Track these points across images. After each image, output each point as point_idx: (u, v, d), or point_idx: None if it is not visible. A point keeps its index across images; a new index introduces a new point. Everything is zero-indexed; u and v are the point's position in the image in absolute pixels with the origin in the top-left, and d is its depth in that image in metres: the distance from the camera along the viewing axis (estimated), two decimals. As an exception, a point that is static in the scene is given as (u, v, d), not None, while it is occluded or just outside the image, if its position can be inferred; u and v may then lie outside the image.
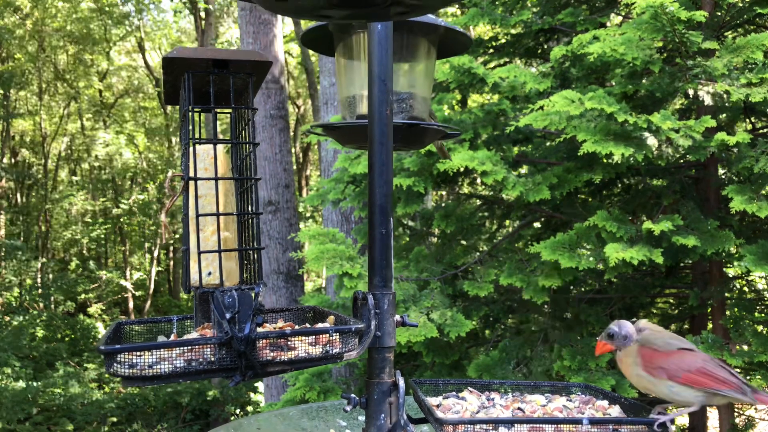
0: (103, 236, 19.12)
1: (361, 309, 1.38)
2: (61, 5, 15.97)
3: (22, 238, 17.54)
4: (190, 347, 1.16)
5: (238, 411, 11.20)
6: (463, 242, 4.56)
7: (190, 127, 1.24)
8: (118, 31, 17.22)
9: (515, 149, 4.32)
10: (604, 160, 3.45)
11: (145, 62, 17.69)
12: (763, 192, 3.09)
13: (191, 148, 1.25)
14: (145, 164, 19.12)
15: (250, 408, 11.28)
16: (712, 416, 5.01)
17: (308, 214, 16.54)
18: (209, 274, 1.23)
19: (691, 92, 3.19)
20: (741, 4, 3.57)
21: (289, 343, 1.20)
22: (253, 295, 1.19)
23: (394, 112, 1.52)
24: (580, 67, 3.77)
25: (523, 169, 4.54)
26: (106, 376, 12.62)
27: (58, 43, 16.71)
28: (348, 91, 1.60)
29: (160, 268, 18.72)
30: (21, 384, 11.47)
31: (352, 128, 1.58)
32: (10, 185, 17.50)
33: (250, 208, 1.30)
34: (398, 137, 1.53)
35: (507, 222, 5.00)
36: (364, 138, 1.45)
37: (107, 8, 16.02)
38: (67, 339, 14.59)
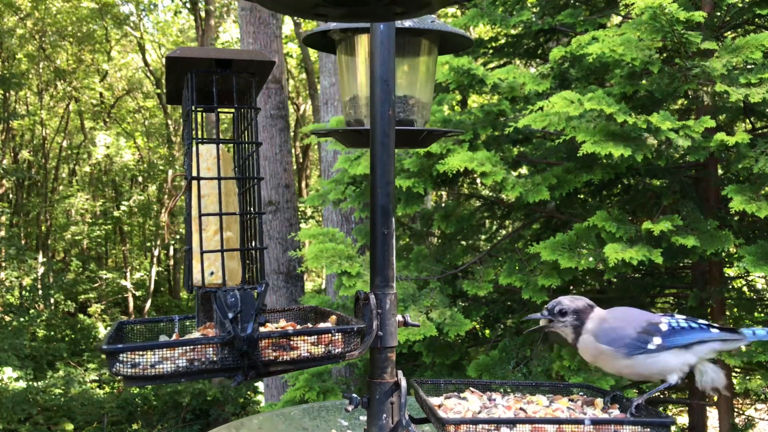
0: (103, 236, 19.11)
1: (362, 309, 1.39)
2: (60, 5, 15.96)
3: (23, 239, 17.53)
4: (192, 347, 1.17)
5: (238, 411, 11.19)
6: (463, 242, 4.56)
7: (193, 127, 1.24)
8: (119, 31, 17.21)
9: (515, 150, 4.32)
10: (604, 161, 3.45)
11: (145, 62, 17.68)
12: (763, 192, 3.09)
13: (194, 148, 1.25)
14: (146, 164, 19.11)
15: (250, 408, 11.28)
16: (712, 416, 5.01)
17: (309, 214, 16.54)
18: (212, 273, 1.23)
19: (690, 92, 3.19)
20: (740, 5, 3.58)
21: (291, 342, 1.20)
22: (255, 294, 1.19)
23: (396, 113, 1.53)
24: (579, 68, 3.77)
25: (523, 170, 4.54)
26: (106, 376, 12.62)
27: (58, 43, 16.70)
28: (350, 92, 1.61)
29: (160, 268, 18.71)
30: (21, 384, 11.47)
31: (354, 132, 1.58)
32: (10, 185, 17.48)
33: (252, 208, 1.30)
34: (399, 138, 1.54)
35: (507, 222, 5.00)
36: (366, 140, 1.45)
37: (108, 9, 16.01)
38: (67, 339, 14.58)
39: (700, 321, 1.46)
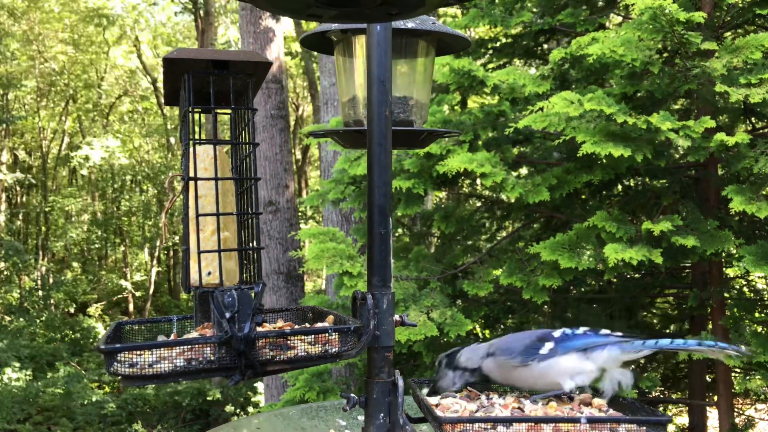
0: (103, 237, 19.13)
1: (360, 309, 1.39)
2: (54, 3, 15.97)
3: (22, 239, 17.56)
4: (190, 346, 1.17)
5: (238, 411, 11.20)
6: (463, 243, 4.56)
7: (190, 128, 1.24)
8: (114, 31, 17.23)
9: (515, 150, 4.32)
10: (604, 161, 3.45)
11: (142, 63, 17.69)
12: (763, 192, 3.09)
13: (191, 149, 1.26)
14: (144, 166, 19.12)
15: (250, 408, 11.29)
16: (712, 416, 5.01)
17: (309, 215, 16.55)
18: (209, 273, 1.24)
19: (691, 93, 3.19)
20: (740, 5, 3.58)
21: (288, 342, 1.20)
22: (252, 294, 1.19)
23: (393, 113, 1.53)
24: (579, 69, 3.77)
25: (524, 170, 4.54)
26: (106, 376, 12.63)
27: (54, 44, 16.71)
28: (348, 93, 1.61)
29: (160, 269, 18.73)
30: (21, 384, 11.48)
31: (352, 132, 1.59)
32: (10, 186, 17.50)
33: (249, 209, 1.31)
34: (399, 138, 1.54)
35: (507, 223, 5.01)
36: (365, 141, 1.46)
37: (103, 9, 16.02)
38: (67, 339, 14.60)
39: (604, 331, 1.46)
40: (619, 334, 1.45)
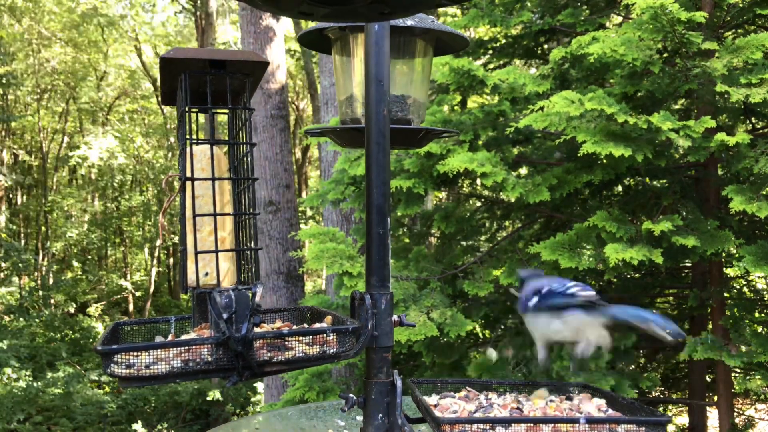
0: (103, 237, 19.12)
1: (358, 309, 1.38)
2: (53, 2, 15.97)
3: (23, 239, 17.56)
4: (187, 347, 1.16)
5: (238, 411, 11.20)
6: (463, 243, 4.56)
7: (187, 128, 1.24)
8: (115, 32, 17.22)
9: (515, 150, 4.32)
10: (604, 161, 3.45)
11: (142, 63, 17.69)
12: (763, 192, 3.09)
13: (188, 149, 1.25)
14: (144, 165, 19.11)
15: (250, 408, 11.29)
16: (712, 416, 5.00)
17: (309, 215, 16.55)
18: (206, 274, 1.23)
19: (691, 93, 3.18)
20: (741, 5, 3.57)
21: (286, 343, 1.20)
22: (250, 295, 1.19)
23: (391, 113, 1.52)
24: (579, 69, 3.76)
25: (524, 170, 4.54)
26: (106, 376, 12.61)
27: (54, 43, 16.71)
28: (346, 91, 1.61)
29: (160, 269, 18.72)
30: (21, 384, 11.48)
31: (349, 130, 1.58)
32: (9, 186, 17.50)
33: (247, 209, 1.30)
34: (397, 138, 1.54)
35: (507, 223, 5.00)
36: (362, 140, 1.45)
37: (101, 11, 16.02)
38: (67, 339, 14.60)
39: (574, 289, 1.39)
40: (591, 294, 1.39)
